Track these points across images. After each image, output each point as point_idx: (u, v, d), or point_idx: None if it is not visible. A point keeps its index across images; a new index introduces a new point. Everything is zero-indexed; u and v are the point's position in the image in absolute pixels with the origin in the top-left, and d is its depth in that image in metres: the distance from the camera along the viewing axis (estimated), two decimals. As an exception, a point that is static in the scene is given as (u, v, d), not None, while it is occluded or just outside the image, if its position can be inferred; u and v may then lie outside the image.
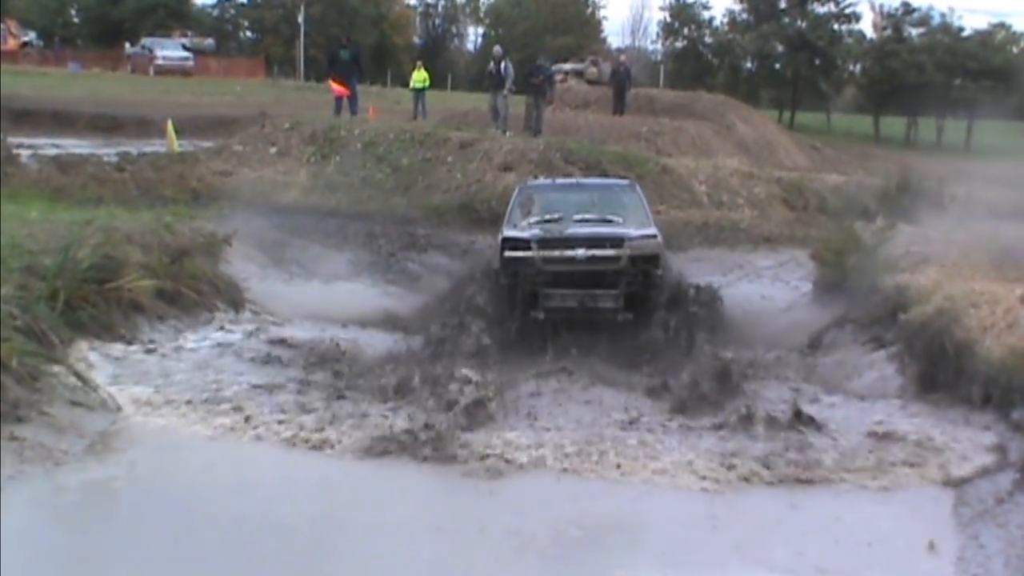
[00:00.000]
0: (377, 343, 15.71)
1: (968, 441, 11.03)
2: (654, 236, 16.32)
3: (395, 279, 20.45)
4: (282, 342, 14.77)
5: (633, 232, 16.14)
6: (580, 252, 15.60)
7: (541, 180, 21.35)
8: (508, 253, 15.83)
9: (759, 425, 11.48)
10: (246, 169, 28.39)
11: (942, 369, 12.98)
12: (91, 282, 13.68)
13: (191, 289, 15.83)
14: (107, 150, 30.52)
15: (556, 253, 15.65)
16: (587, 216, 16.99)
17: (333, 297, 18.37)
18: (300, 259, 20.30)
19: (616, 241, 15.79)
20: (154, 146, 31.25)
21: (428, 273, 21.04)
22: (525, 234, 16.06)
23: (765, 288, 21.66)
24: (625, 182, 20.30)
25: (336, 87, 35.05)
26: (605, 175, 27.70)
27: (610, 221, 16.84)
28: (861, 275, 18.16)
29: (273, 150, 29.85)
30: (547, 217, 16.96)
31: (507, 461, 10.36)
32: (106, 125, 42.25)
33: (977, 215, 24.45)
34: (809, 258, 21.57)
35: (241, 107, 41.29)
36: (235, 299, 16.92)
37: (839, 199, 28.70)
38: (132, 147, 31.32)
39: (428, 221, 24.37)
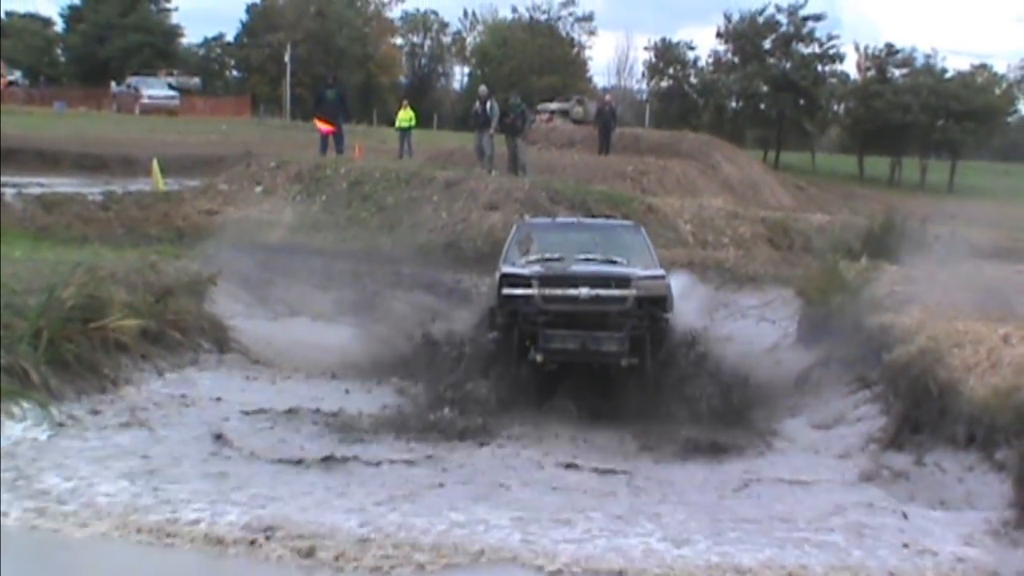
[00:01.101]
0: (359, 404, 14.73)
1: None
2: (662, 277, 15.46)
3: (381, 318, 20.36)
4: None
5: (640, 272, 15.28)
6: (584, 291, 14.54)
7: (540, 219, 20.80)
8: (507, 290, 14.74)
9: None
10: (232, 208, 28.39)
11: (926, 409, 12.99)
12: (75, 321, 13.60)
13: (176, 329, 15.81)
14: (92, 189, 30.48)
15: (558, 291, 14.60)
16: (590, 256, 16.19)
17: (316, 339, 18.28)
18: (285, 298, 20.29)
19: (622, 281, 14.82)
20: (139, 185, 31.27)
21: (414, 312, 20.95)
22: (525, 270, 15.06)
23: (750, 327, 21.70)
24: (629, 223, 19.65)
25: (322, 125, 35.08)
26: (591, 214, 27.69)
27: (615, 261, 15.99)
28: (845, 315, 18.21)
29: (259, 189, 29.89)
30: (547, 256, 16.06)
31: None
32: (91, 164, 42.18)
33: (960, 255, 24.57)
34: (795, 295, 21.58)
35: (227, 146, 41.34)
36: (220, 339, 16.91)
37: (824, 239, 28.78)
38: (117, 186, 31.34)
39: (414, 260, 24.32)
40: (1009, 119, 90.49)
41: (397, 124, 43.47)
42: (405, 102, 45.71)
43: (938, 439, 12.45)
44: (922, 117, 76.22)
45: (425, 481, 11.06)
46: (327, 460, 11.42)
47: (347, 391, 15.44)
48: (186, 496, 9.79)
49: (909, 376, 13.82)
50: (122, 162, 41.81)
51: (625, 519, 10.02)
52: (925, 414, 12.97)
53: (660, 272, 15.68)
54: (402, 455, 12.15)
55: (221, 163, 33.81)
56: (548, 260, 15.76)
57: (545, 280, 14.68)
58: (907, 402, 13.52)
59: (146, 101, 73.06)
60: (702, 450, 13.14)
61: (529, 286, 14.62)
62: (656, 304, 14.88)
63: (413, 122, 43.52)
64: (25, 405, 11.69)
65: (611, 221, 20.79)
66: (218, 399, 13.93)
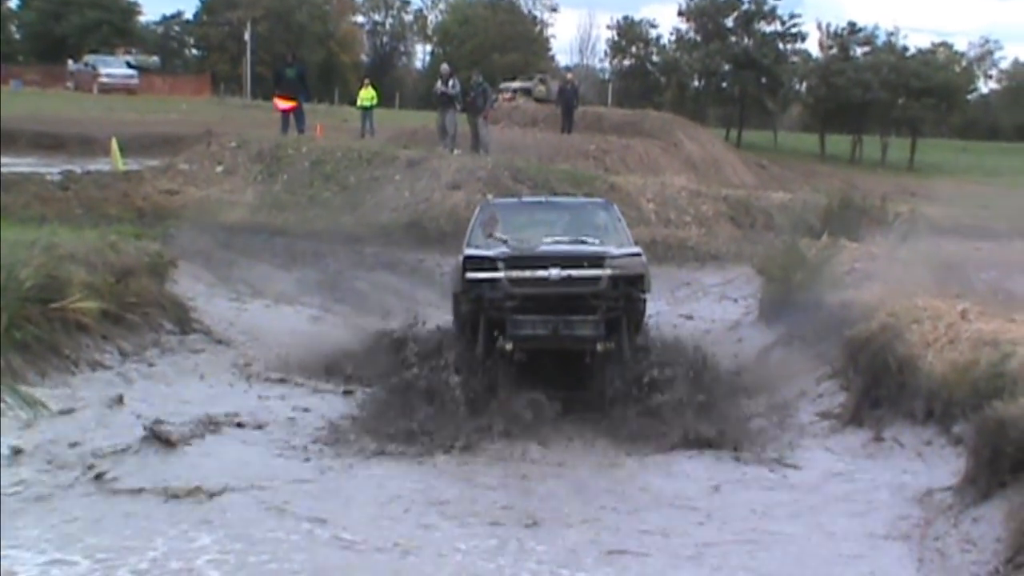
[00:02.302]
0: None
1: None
2: (638, 255, 14.32)
3: (343, 298, 20.35)
4: None
5: (614, 250, 14.30)
6: (554, 272, 13.44)
7: (505, 199, 19.38)
8: (471, 274, 13.65)
9: None
10: (192, 188, 28.31)
11: (885, 385, 13.12)
12: (34, 302, 13.51)
13: (137, 310, 15.72)
14: (50, 168, 30.22)
15: (526, 274, 13.54)
16: (559, 235, 15.34)
17: (277, 323, 18.22)
18: (247, 279, 20.16)
19: (595, 260, 13.80)
20: (99, 164, 31.05)
21: (377, 292, 20.96)
22: (490, 252, 13.92)
23: (713, 306, 21.82)
24: (600, 200, 18.86)
25: (282, 103, 34.86)
26: (554, 193, 27.76)
27: (585, 240, 15.11)
28: (806, 292, 18.34)
29: (219, 168, 29.77)
30: (514, 237, 14.79)
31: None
32: (49, 143, 41.86)
33: (920, 232, 24.73)
34: (757, 273, 21.71)
35: (187, 125, 41.22)
36: (182, 319, 16.79)
37: (785, 217, 28.90)
38: (76, 165, 31.07)
39: (376, 240, 24.28)
40: (969, 97, 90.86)
41: (359, 103, 43.35)
42: (367, 81, 45.56)
43: (897, 414, 12.59)
44: (883, 95, 76.41)
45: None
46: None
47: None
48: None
49: (869, 352, 13.94)
50: (80, 141, 41.52)
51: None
52: (884, 390, 13.10)
53: (636, 250, 14.67)
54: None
55: (181, 142, 33.67)
56: (514, 240, 14.53)
57: (512, 262, 13.66)
58: (867, 378, 13.64)
59: (104, 80, 72.41)
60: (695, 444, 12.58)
61: (495, 269, 13.59)
62: (633, 284, 13.92)
63: (375, 101, 43.41)
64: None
65: (580, 199, 20.11)
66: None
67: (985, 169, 66.42)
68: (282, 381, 14.89)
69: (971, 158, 75.60)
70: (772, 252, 22.26)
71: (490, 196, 26.80)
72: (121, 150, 32.37)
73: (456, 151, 32.68)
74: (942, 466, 11.05)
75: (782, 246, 22.31)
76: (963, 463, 10.64)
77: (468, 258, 13.91)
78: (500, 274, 13.54)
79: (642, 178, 33.22)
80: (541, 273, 13.48)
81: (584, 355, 13.73)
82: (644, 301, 14.40)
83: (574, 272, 13.53)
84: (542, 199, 19.01)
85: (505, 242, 14.35)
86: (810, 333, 16.48)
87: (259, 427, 12.52)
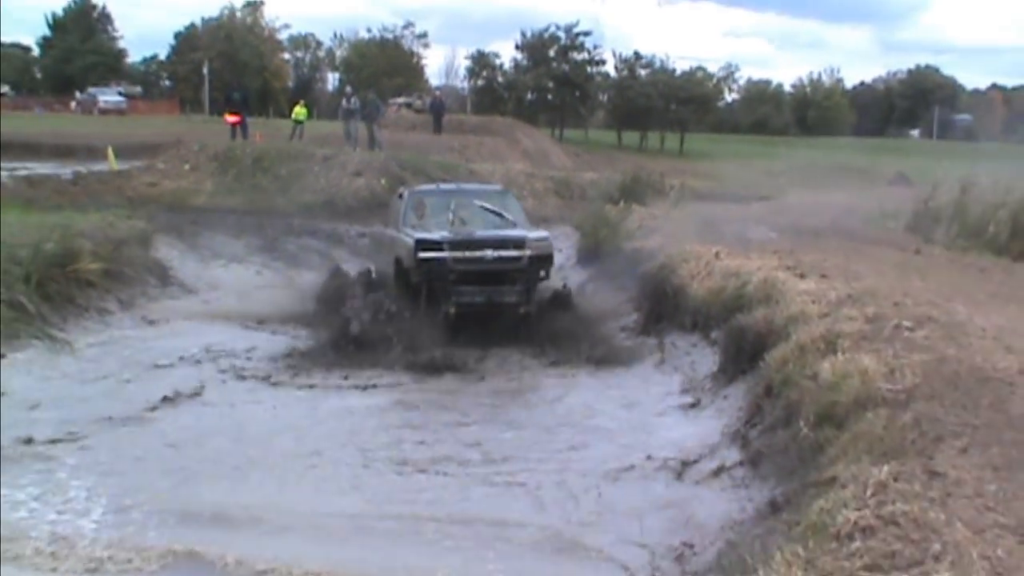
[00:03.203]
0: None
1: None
2: (546, 239, 14.23)
3: (279, 257, 20.27)
4: None
5: (531, 235, 14.04)
6: (488, 253, 13.41)
7: (426, 186, 17.65)
8: (422, 254, 13.32)
9: None
10: (167, 181, 27.57)
11: (665, 306, 13.35)
12: (55, 266, 13.66)
13: (129, 269, 15.90)
14: (64, 170, 29.27)
15: (466, 254, 13.38)
16: (483, 219, 14.55)
17: (231, 276, 18.27)
18: (209, 245, 20.00)
19: (519, 243, 13.64)
20: (99, 166, 30.10)
21: (303, 252, 20.88)
22: (437, 236, 13.54)
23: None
24: (499, 187, 18.29)
25: (229, 119, 34.36)
26: (431, 179, 27.57)
27: (506, 222, 14.59)
28: (609, 243, 18.51)
29: (187, 166, 28.96)
30: (439, 222, 14.27)
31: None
32: (63, 152, 40.48)
33: (688, 198, 25.07)
34: (575, 231, 21.78)
35: (162, 136, 39.88)
36: (162, 276, 17.08)
37: (595, 190, 28.99)
38: (83, 167, 30.15)
39: (301, 214, 23.92)
40: (719, 103, 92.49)
41: (294, 117, 42.32)
42: (302, 101, 44.77)
43: (673, 326, 12.83)
44: (660, 103, 77.53)
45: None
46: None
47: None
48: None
49: (652, 284, 14.18)
50: (86, 150, 40.20)
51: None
52: (665, 310, 13.35)
53: (545, 234, 14.51)
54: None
55: (158, 148, 32.62)
56: (440, 224, 14.15)
57: (454, 244, 13.40)
58: (652, 302, 13.89)
59: (102, 105, 71.23)
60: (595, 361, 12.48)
61: (441, 249, 13.32)
62: (544, 261, 13.83)
63: (306, 115, 42.51)
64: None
65: (484, 186, 19.11)
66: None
67: (733, 154, 67.32)
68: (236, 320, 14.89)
69: (722, 146, 76.58)
70: (585, 215, 22.39)
71: (383, 181, 26.70)
72: (115, 155, 31.41)
73: (357, 149, 32.26)
74: (705, 360, 11.31)
75: (592, 211, 22.46)
76: (718, 358, 10.91)
77: (419, 241, 13.45)
78: (445, 254, 13.30)
79: (492, 165, 33.14)
80: (478, 253, 13.41)
81: (508, 315, 13.41)
82: (547, 275, 14.07)
83: (503, 252, 13.48)
84: (454, 186, 17.20)
85: (447, 226, 13.92)
86: (612, 272, 16.66)
87: (215, 358, 12.44)
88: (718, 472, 7.78)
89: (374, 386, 11.32)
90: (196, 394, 10.65)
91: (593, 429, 9.72)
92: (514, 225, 14.57)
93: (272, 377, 11.59)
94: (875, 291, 9.87)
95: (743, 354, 10.04)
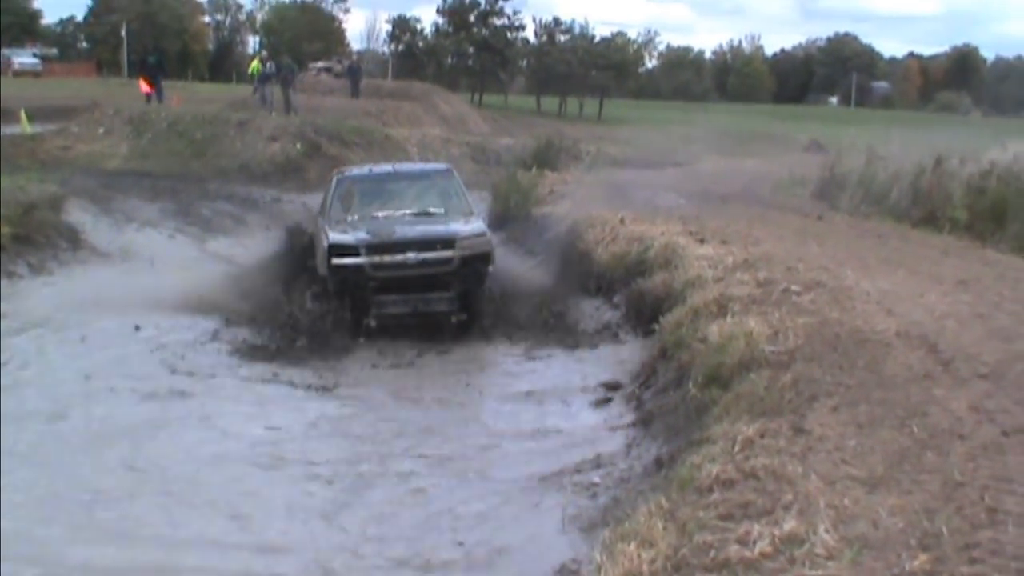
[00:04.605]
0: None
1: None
2: (484, 233, 12.19)
3: (193, 222, 19.97)
4: None
5: (463, 230, 11.98)
6: (411, 256, 11.46)
7: (357, 170, 14.81)
8: (336, 260, 11.51)
9: None
10: (81, 144, 27.17)
11: (572, 269, 13.49)
12: None
13: (40, 234, 15.63)
14: (-24, 134, 28.69)
15: (386, 258, 11.51)
16: (412, 211, 12.65)
17: (144, 241, 17.83)
18: (123, 209, 19.65)
19: (447, 242, 11.66)
20: (12, 129, 29.52)
21: (217, 217, 20.63)
22: (352, 239, 11.69)
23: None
24: (443, 167, 15.15)
25: (143, 85, 33.72)
26: (345, 144, 27.46)
27: (435, 216, 12.54)
28: (520, 208, 18.63)
29: (101, 130, 28.51)
30: (369, 212, 12.61)
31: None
32: (-26, 115, 39.64)
33: (601, 164, 25.26)
34: (489, 195, 21.83)
35: (78, 99, 38.77)
36: (74, 240, 16.72)
37: (510, 155, 29.09)
38: (-5, 130, 29.55)
39: (217, 179, 23.76)
40: (640, 70, 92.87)
41: (250, 72, 39.73)
42: (264, 53, 43.10)
43: (578, 289, 12.97)
44: (579, 69, 77.57)
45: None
46: None
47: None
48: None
49: (559, 247, 14.33)
50: (-1, 112, 39.50)
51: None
52: (571, 273, 13.47)
53: (482, 228, 12.41)
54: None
55: (73, 112, 31.96)
56: (373, 222, 12.25)
57: (372, 248, 11.55)
58: (559, 265, 14.00)
59: (16, 67, 69.35)
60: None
61: (357, 255, 11.50)
62: (481, 260, 11.82)
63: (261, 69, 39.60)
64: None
65: (424, 167, 16.60)
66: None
67: (651, 120, 67.67)
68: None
69: (641, 112, 76.95)
70: (499, 180, 22.43)
71: (298, 145, 26.56)
72: (29, 118, 30.71)
73: (273, 113, 31.99)
74: (608, 322, 11.51)
75: (506, 176, 22.51)
76: (620, 319, 11.11)
77: (332, 246, 11.63)
78: (362, 259, 11.48)
79: (408, 130, 33.07)
80: (399, 257, 11.51)
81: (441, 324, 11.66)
82: (490, 273, 12.04)
83: (428, 255, 11.56)
84: (390, 168, 14.85)
85: (364, 223, 12.19)
86: (521, 236, 16.79)
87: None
88: (612, 431, 7.95)
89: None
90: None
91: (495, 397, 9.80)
92: (445, 219, 12.45)
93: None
94: (771, 256, 10.14)
95: (643, 317, 10.25)
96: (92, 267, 15.74)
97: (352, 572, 5.86)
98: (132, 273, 15.38)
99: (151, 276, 14.97)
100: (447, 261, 11.57)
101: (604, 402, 8.90)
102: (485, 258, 11.88)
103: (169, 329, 11.73)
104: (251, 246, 16.77)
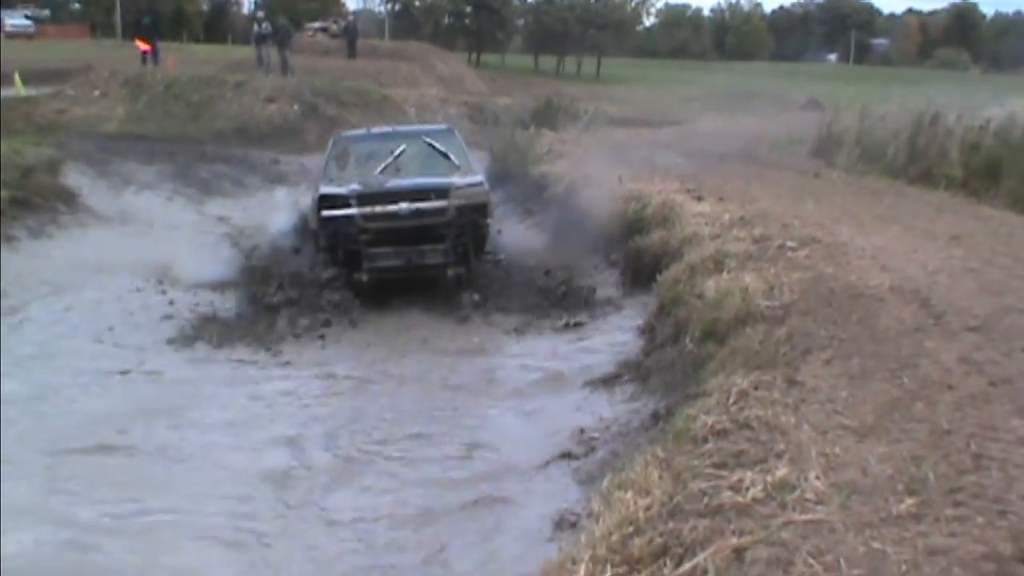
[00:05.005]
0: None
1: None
2: (481, 183, 11.90)
3: (191, 184, 19.99)
4: None
5: (458, 180, 11.68)
6: (404, 206, 11.14)
7: (355, 131, 14.53)
8: (326, 212, 11.23)
9: None
10: (77, 107, 27.09)
11: (571, 226, 13.55)
12: None
13: (38, 197, 15.55)
14: (-31, 97, 28.64)
15: (378, 209, 11.19)
16: (408, 167, 12.26)
17: (142, 203, 17.85)
18: (120, 172, 19.65)
19: (441, 191, 11.36)
20: (7, 92, 29.43)
21: (215, 179, 20.66)
22: (343, 190, 11.42)
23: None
24: (443, 127, 15.08)
25: (141, 44, 33.63)
26: (343, 104, 27.42)
27: (432, 169, 12.15)
28: (518, 167, 18.68)
29: (97, 93, 28.43)
30: (367, 169, 12.24)
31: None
32: (-34, 77, 39.49)
33: (599, 123, 25.28)
34: (488, 155, 21.84)
35: (72, 62, 38.78)
36: (71, 203, 16.64)
37: (508, 115, 29.09)
38: (-11, 93, 29.49)
39: (214, 142, 23.75)
40: (638, 28, 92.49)
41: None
42: (260, 13, 42.95)
43: (577, 247, 13.04)
44: (577, 28, 77.43)
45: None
46: None
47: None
48: None
49: (558, 206, 14.40)
50: (-8, 75, 39.36)
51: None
52: (570, 231, 13.54)
53: (479, 178, 12.14)
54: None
55: (68, 74, 31.91)
56: (366, 176, 11.97)
57: (364, 198, 11.26)
58: (558, 224, 14.08)
59: (9, 29, 68.80)
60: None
61: (348, 206, 11.21)
62: (477, 211, 11.54)
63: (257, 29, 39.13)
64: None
65: (424, 127, 16.19)
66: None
67: (649, 79, 67.57)
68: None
69: (639, 71, 76.74)
70: (497, 140, 22.44)
71: (296, 107, 26.52)
72: (23, 81, 30.66)
73: (270, 74, 31.91)
74: (607, 280, 11.61)
75: (504, 136, 22.53)
76: (619, 277, 11.21)
77: (323, 196, 11.39)
78: (353, 211, 11.19)
79: (406, 91, 33.00)
80: (392, 208, 11.19)
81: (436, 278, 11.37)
82: (488, 225, 11.99)
83: (422, 205, 11.24)
84: (389, 129, 14.45)
85: (357, 178, 11.90)
86: (520, 195, 16.87)
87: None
88: (611, 386, 8.07)
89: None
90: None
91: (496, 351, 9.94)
92: (443, 170, 12.14)
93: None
94: (767, 213, 10.22)
95: (641, 274, 10.35)
96: (92, 230, 15.79)
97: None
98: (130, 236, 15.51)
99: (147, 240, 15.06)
100: (442, 211, 11.27)
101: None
102: (482, 208, 11.59)
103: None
104: (250, 206, 16.87)
